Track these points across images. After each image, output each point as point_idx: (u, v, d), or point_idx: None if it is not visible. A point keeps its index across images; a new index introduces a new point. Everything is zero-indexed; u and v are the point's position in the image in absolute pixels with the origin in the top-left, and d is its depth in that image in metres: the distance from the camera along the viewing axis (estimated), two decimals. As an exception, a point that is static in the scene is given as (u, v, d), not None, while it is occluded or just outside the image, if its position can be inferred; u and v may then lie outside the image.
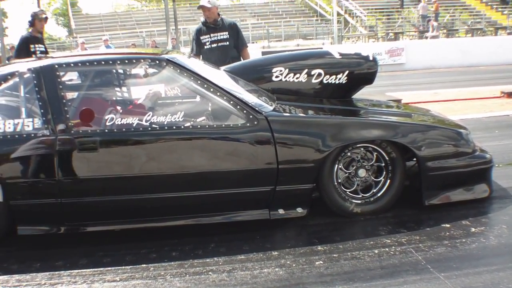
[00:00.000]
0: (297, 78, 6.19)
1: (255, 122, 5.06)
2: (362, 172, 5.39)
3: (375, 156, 5.41)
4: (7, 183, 5.10)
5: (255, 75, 6.32)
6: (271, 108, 5.34)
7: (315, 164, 5.17)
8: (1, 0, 12.20)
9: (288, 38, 36.91)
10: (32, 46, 9.41)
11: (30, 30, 9.92)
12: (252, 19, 38.94)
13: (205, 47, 8.73)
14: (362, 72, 6.49)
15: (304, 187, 5.21)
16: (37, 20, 9.57)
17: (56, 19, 63.60)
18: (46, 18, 9.68)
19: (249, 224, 5.31)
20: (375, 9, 42.28)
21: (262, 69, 6.38)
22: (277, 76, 6.20)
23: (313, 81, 6.23)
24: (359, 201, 5.41)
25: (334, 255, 4.66)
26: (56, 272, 4.70)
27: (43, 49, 9.70)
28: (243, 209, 5.30)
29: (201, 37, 8.79)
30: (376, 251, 4.69)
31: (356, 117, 5.83)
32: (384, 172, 5.43)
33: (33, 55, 8.36)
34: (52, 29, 64.28)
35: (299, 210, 5.23)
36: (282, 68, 6.19)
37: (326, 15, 42.00)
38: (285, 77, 6.18)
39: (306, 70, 6.21)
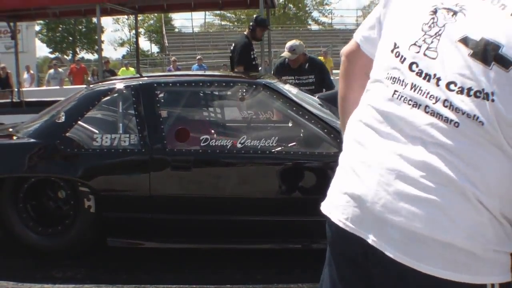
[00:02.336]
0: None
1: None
2: None
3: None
4: (100, 196, 5.24)
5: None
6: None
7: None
8: (103, 16, 12.38)
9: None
10: (252, 52, 9.17)
11: (246, 33, 9.51)
12: (343, 45, 38.79)
13: None
14: None
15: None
16: (259, 29, 9.21)
17: (149, 36, 64.97)
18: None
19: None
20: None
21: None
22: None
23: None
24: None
25: None
26: (142, 285, 4.80)
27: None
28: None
29: (284, 77, 8.15)
30: None
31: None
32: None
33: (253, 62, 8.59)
34: (145, 45, 65.77)
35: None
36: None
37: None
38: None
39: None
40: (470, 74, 1.57)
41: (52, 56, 57.91)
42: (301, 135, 5.45)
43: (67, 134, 5.28)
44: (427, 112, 1.60)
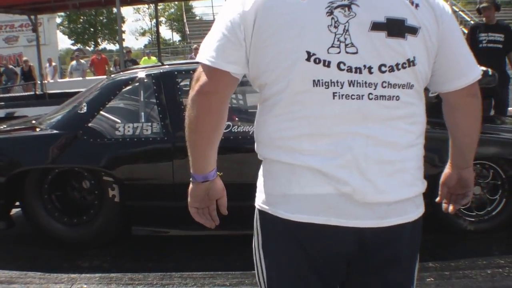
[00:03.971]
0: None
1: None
2: (477, 190, 5.27)
3: (491, 173, 5.29)
4: (124, 185, 5.26)
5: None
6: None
7: (430, 179, 5.01)
8: (123, 6, 12.40)
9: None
10: (482, 35, 8.77)
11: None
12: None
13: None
14: (480, 87, 6.31)
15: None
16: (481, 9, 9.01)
17: (170, 24, 65.03)
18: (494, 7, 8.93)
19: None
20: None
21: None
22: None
23: (430, 95, 6.09)
24: (473, 219, 5.30)
25: (446, 273, 4.58)
26: (168, 273, 4.82)
27: (499, 39, 8.73)
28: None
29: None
30: (489, 271, 4.59)
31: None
32: (500, 190, 5.29)
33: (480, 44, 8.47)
34: (166, 34, 65.85)
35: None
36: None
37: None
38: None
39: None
40: (393, 52, 1.82)
41: (74, 47, 58.16)
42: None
43: (90, 125, 5.31)
44: (371, 99, 1.82)
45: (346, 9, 1.81)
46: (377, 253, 1.94)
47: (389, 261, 1.97)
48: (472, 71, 2.07)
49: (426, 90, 5.85)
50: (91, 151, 5.31)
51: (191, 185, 2.14)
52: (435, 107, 6.09)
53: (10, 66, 24.30)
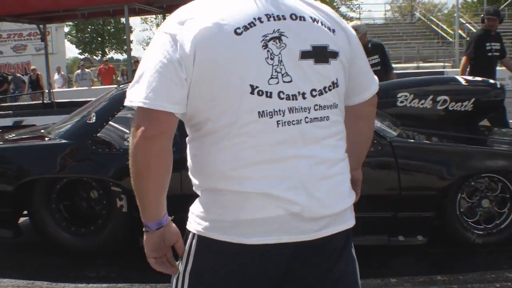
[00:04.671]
0: (422, 104, 6.09)
1: (379, 147, 5.02)
2: (485, 203, 5.25)
3: (500, 186, 5.27)
4: (132, 195, 5.22)
5: (379, 99, 6.18)
6: (395, 133, 5.30)
7: (437, 192, 5.09)
8: (131, 17, 12.42)
9: (408, 60, 36.32)
10: (487, 44, 8.93)
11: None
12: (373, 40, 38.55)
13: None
14: (489, 100, 6.33)
15: (425, 215, 5.12)
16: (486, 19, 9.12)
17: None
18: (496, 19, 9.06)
19: (366, 248, 5.26)
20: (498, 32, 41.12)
21: (387, 94, 6.30)
22: (401, 102, 6.12)
23: (438, 107, 6.11)
24: (481, 232, 5.27)
25: (454, 286, 4.57)
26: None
27: (498, 48, 8.98)
28: (361, 233, 5.25)
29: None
30: (497, 285, 4.57)
31: (481, 146, 5.70)
32: (509, 204, 5.27)
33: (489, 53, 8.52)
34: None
35: (420, 238, 5.13)
36: (407, 94, 6.10)
37: (448, 38, 41.17)
38: (409, 102, 6.10)
39: (431, 96, 6.09)
40: (321, 76, 1.99)
41: (82, 57, 58.35)
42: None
43: (98, 135, 5.32)
44: (307, 122, 1.96)
45: (277, 41, 1.93)
46: (323, 258, 2.08)
47: (329, 266, 2.10)
48: (373, 84, 2.29)
49: (434, 103, 5.83)
50: (99, 161, 5.32)
51: (145, 236, 2.14)
52: (441, 121, 6.11)
53: (18, 75, 24.40)
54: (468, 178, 5.17)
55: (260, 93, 1.91)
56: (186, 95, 1.92)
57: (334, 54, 2.02)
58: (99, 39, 60.76)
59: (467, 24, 40.70)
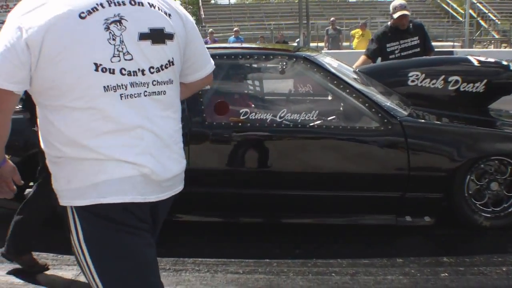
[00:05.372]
0: (433, 84, 6.02)
1: (389, 127, 4.99)
2: (494, 186, 5.22)
3: (509, 170, 5.23)
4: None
5: (390, 78, 6.19)
6: (406, 113, 5.26)
7: (447, 174, 5.06)
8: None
9: (417, 38, 36.14)
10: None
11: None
12: (381, 18, 38.21)
13: (392, 56, 7.54)
14: (501, 81, 6.24)
15: (433, 196, 5.10)
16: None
17: (185, 7, 64.83)
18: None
19: (373, 228, 5.25)
20: (510, 13, 40.85)
21: (398, 73, 6.26)
22: (413, 81, 6.04)
23: (450, 88, 6.04)
24: (489, 215, 5.24)
25: (460, 268, 4.54)
26: (181, 259, 4.80)
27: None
28: (369, 213, 5.24)
29: (388, 45, 7.60)
30: (504, 269, 4.53)
31: (492, 128, 5.63)
32: (518, 187, 5.24)
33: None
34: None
35: (427, 219, 5.12)
36: (419, 73, 6.03)
37: (458, 17, 40.89)
38: (421, 82, 6.02)
39: (443, 76, 6.01)
40: (158, 55, 2.28)
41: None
42: (341, 108, 5.40)
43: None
44: (146, 96, 2.24)
45: (118, 24, 2.20)
46: (160, 217, 2.45)
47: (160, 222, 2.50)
48: (209, 63, 2.64)
49: (445, 83, 5.78)
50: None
51: None
52: (452, 101, 6.06)
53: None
54: (478, 160, 5.14)
55: (104, 70, 2.15)
56: (28, 75, 2.14)
57: (170, 36, 2.33)
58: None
59: (478, 4, 40.42)
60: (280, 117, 5.08)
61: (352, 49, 22.74)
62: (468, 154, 5.06)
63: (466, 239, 5.19)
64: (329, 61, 5.78)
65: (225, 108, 5.18)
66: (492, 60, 6.48)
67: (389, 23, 7.68)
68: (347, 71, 5.87)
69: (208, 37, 24.99)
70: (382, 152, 5.06)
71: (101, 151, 2.18)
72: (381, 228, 5.21)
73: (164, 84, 2.31)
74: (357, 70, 6.36)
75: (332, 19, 24.59)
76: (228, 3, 53.63)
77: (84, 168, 2.20)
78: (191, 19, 2.52)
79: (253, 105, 5.47)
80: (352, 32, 24.25)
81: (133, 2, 2.27)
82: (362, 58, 7.54)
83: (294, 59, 5.43)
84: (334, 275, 4.47)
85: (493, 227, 5.24)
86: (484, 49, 30.00)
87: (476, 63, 6.26)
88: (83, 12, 2.15)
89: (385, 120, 5.01)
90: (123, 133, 2.20)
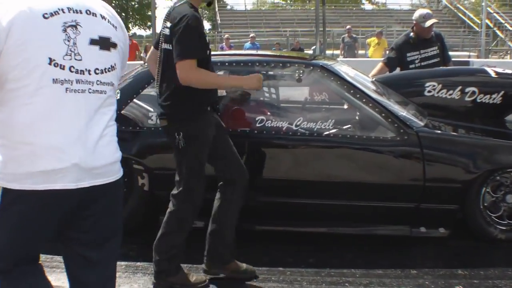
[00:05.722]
0: (450, 94, 5.98)
1: (405, 137, 4.97)
2: (510, 198, 5.18)
3: (526, 182, 5.20)
4: (154, 174, 5.26)
5: (407, 88, 6.15)
6: (422, 123, 5.23)
7: (462, 185, 5.03)
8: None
9: (433, 48, 36.05)
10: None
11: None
12: (397, 26, 38.18)
13: (412, 65, 7.38)
14: None
15: (448, 207, 5.07)
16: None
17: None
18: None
19: (387, 239, 5.23)
20: (527, 24, 40.66)
21: (415, 83, 6.22)
22: (429, 91, 6.00)
23: (466, 99, 6.01)
24: (504, 227, 5.20)
25: (475, 281, 4.51)
26: (194, 266, 4.79)
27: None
28: (383, 223, 5.22)
29: (408, 54, 7.43)
30: (519, 282, 4.50)
31: (508, 140, 5.58)
32: (534, 200, 5.20)
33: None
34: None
35: (441, 230, 5.10)
36: (435, 83, 5.99)
37: (474, 27, 40.77)
38: (437, 92, 5.99)
39: (460, 87, 5.96)
40: (104, 60, 2.62)
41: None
42: (356, 118, 5.39)
43: (123, 112, 5.30)
44: (90, 93, 2.54)
45: (74, 28, 2.53)
46: (94, 203, 2.62)
47: (105, 208, 2.69)
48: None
49: (462, 94, 5.75)
50: (122, 139, 5.22)
51: None
52: (469, 112, 6.02)
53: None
54: (494, 172, 5.11)
55: (56, 65, 2.45)
56: None
57: (114, 45, 2.68)
58: (123, 14, 60.84)
59: (494, 14, 40.30)
60: (296, 125, 5.08)
61: (368, 57, 22.73)
62: (484, 166, 5.04)
63: (481, 252, 5.15)
64: (346, 70, 5.77)
65: (241, 116, 5.19)
66: (509, 71, 6.43)
67: (411, 33, 7.55)
68: (364, 80, 5.85)
69: (224, 43, 25.04)
70: (398, 162, 5.04)
71: (38, 139, 2.44)
72: (395, 238, 5.18)
73: (106, 85, 2.62)
74: (373, 79, 6.34)
75: (348, 27, 24.62)
76: (244, 9, 53.73)
77: (20, 156, 2.45)
78: (126, 34, 2.90)
79: (269, 113, 5.47)
80: (368, 40, 24.29)
81: (88, 12, 2.62)
82: (380, 65, 7.49)
83: (311, 68, 5.41)
84: (348, 285, 4.45)
85: (508, 240, 5.20)
86: (500, 60, 29.91)
87: (493, 74, 6.22)
88: (46, 14, 2.48)
89: (401, 130, 4.99)
90: (62, 123, 2.47)
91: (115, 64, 2.70)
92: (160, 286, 4.45)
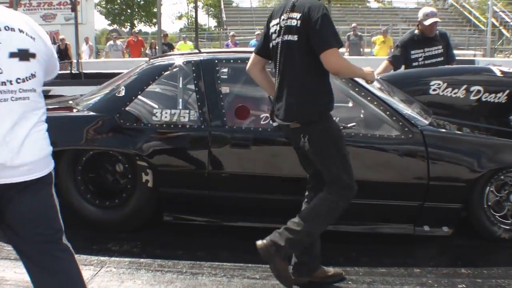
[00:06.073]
0: (455, 93, 5.97)
1: (410, 135, 4.96)
2: None
3: (530, 181, 5.19)
4: (158, 170, 5.26)
5: (412, 86, 6.14)
6: (427, 122, 5.21)
7: (466, 184, 5.02)
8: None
9: (438, 46, 35.95)
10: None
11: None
12: (403, 24, 38.08)
13: (415, 63, 7.39)
14: None
15: (452, 206, 5.06)
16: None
17: (207, 10, 65.02)
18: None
19: (391, 237, 5.22)
20: (533, 23, 40.57)
21: (419, 81, 6.19)
22: (434, 90, 5.99)
23: (471, 97, 5.99)
24: (508, 227, 5.20)
25: (478, 280, 4.51)
26: (198, 262, 4.81)
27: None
28: (387, 221, 5.21)
29: (412, 51, 7.47)
30: (523, 282, 4.49)
31: (513, 139, 5.58)
32: (538, 199, 5.20)
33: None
34: (203, 19, 65.87)
35: (445, 229, 5.08)
36: (440, 82, 5.98)
37: (480, 26, 40.70)
38: (442, 91, 5.98)
39: (465, 86, 5.95)
40: (24, 70, 2.87)
41: (110, 28, 58.46)
42: (361, 116, 5.38)
43: (127, 108, 5.31)
44: (13, 100, 2.81)
45: None
46: (20, 198, 2.90)
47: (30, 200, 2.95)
48: (56, 69, 3.29)
49: (467, 93, 5.72)
50: (127, 135, 5.31)
51: None
52: (473, 111, 6.01)
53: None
54: (498, 171, 5.10)
55: None
56: None
57: (33, 55, 2.92)
58: (129, 10, 60.87)
59: (500, 13, 40.21)
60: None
61: (373, 55, 22.69)
62: (489, 165, 5.02)
63: (485, 251, 5.15)
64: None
65: (246, 113, 5.19)
66: (514, 70, 6.41)
67: (416, 31, 7.53)
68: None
69: (229, 40, 25.00)
70: (402, 160, 5.03)
71: None
72: (399, 237, 5.18)
73: (29, 91, 2.88)
74: (378, 77, 6.32)
75: (353, 25, 24.55)
76: (250, 6, 53.68)
77: None
78: (48, 40, 3.12)
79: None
80: (374, 38, 24.21)
81: (7, 28, 2.86)
82: (385, 63, 7.48)
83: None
84: (351, 283, 4.46)
85: (512, 239, 5.19)
86: (506, 58, 29.83)
87: (498, 73, 6.20)
88: None
89: (406, 129, 4.98)
90: None
91: (35, 72, 2.94)
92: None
